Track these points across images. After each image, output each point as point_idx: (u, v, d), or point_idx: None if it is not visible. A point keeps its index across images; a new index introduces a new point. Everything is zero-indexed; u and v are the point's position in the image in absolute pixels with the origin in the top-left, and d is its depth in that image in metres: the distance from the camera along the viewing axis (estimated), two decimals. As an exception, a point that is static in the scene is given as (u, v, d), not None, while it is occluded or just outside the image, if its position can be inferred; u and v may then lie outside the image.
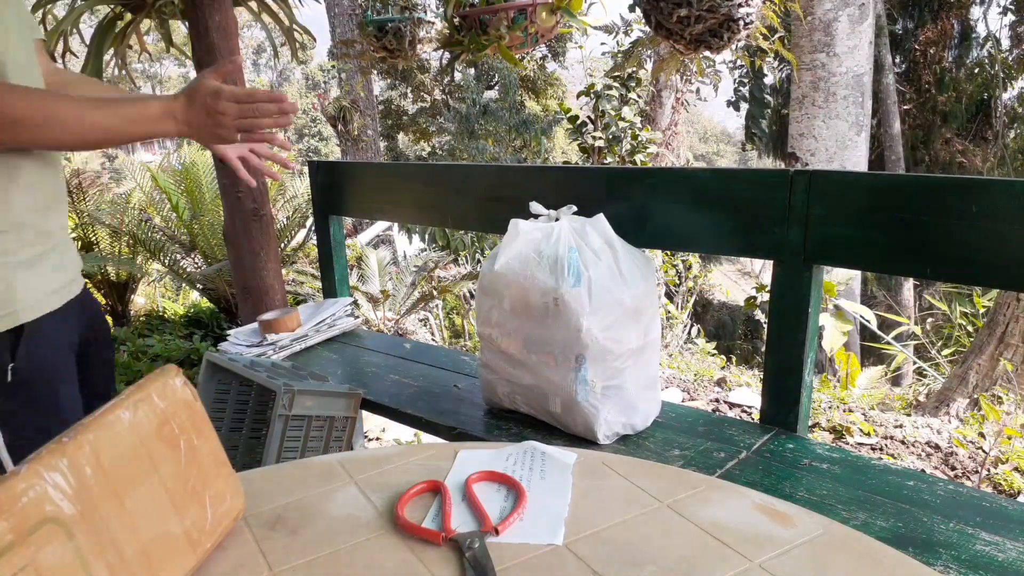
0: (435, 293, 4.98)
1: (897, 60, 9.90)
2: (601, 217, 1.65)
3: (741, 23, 2.43)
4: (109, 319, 5.40)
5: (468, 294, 5.43)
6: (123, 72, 3.21)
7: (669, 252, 7.00)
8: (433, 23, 3.16)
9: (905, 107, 9.55)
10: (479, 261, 6.83)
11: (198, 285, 4.95)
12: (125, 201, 5.88)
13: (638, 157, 6.94)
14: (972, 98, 9.72)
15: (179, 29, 3.86)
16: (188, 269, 5.24)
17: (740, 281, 15.16)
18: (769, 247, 1.57)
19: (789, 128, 6.88)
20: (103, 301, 5.13)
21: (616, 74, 7.27)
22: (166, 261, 5.11)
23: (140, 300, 6.31)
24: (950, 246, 1.35)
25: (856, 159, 6.58)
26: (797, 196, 1.52)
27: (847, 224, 1.47)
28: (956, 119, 9.58)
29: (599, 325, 1.52)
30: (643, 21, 2.62)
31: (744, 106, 10.96)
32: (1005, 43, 10.44)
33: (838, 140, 6.52)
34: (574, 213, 1.68)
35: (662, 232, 1.73)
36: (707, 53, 2.54)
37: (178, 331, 4.66)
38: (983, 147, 9.72)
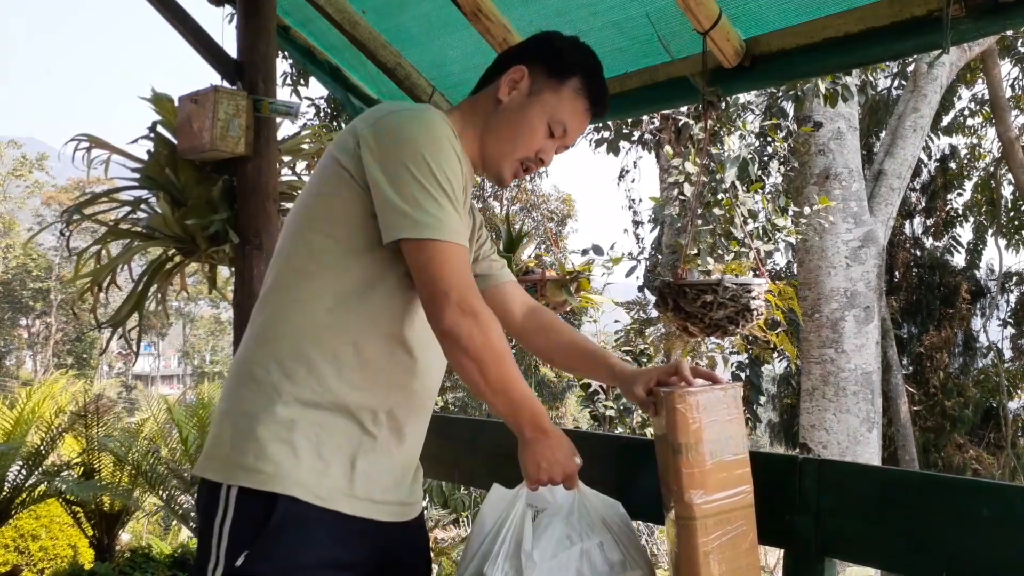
0: (432, 555, 4.76)
1: (904, 362, 10.19)
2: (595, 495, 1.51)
3: (755, 313, 2.57)
4: (91, 553, 5.17)
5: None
6: (160, 308, 3.38)
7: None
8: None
9: (915, 408, 9.66)
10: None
11: (191, 524, 4.79)
12: (136, 430, 5.89)
13: (648, 431, 6.96)
14: (979, 405, 9.84)
15: (221, 272, 4.11)
16: (185, 505, 5.11)
17: None
18: (779, 534, 1.53)
19: (800, 419, 6.93)
20: (90, 532, 4.95)
21: (627, 348, 7.51)
22: (163, 495, 5.00)
23: (125, 536, 6.08)
24: (964, 551, 1.32)
25: (869, 455, 6.54)
26: (806, 484, 1.51)
27: (858, 517, 1.44)
28: (964, 424, 9.63)
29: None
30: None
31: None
32: (1007, 354, 10.77)
33: (850, 435, 6.53)
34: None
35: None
36: (713, 338, 2.66)
37: (162, 572, 4.44)
38: (997, 455, 9.65)
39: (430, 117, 1.30)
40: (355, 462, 1.30)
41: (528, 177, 12.38)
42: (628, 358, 7.36)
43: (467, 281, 1.26)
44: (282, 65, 6.81)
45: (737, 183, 5.29)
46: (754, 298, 2.52)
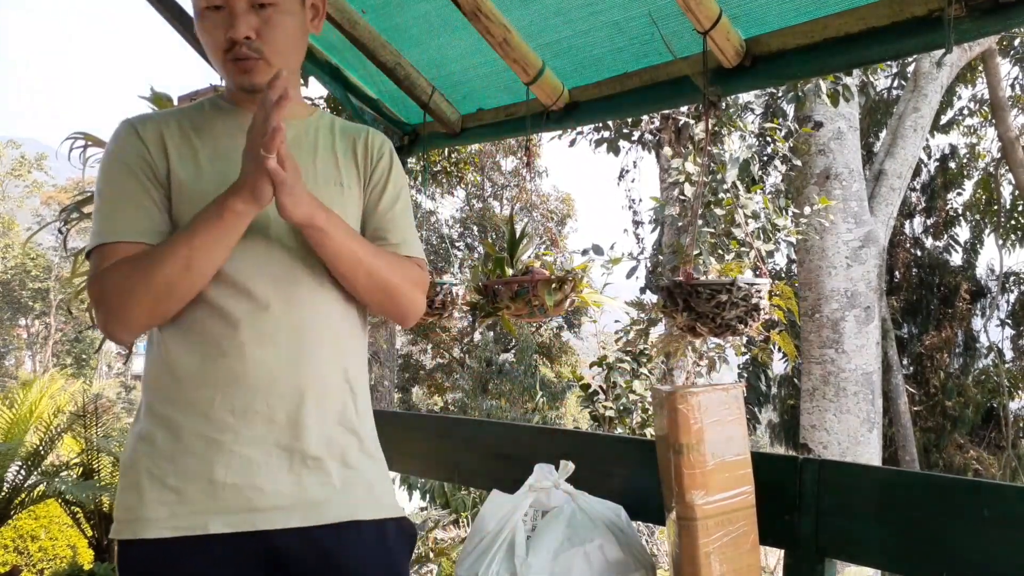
0: (431, 555, 4.77)
1: (905, 362, 10.18)
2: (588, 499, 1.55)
3: (761, 313, 2.56)
4: (90, 553, 5.17)
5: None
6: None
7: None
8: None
9: (916, 408, 9.65)
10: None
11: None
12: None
13: (648, 431, 6.95)
14: (979, 405, 9.84)
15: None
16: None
17: None
18: (779, 534, 1.54)
19: (800, 419, 6.93)
20: (89, 533, 4.94)
21: (628, 348, 7.50)
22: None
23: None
24: (964, 551, 1.32)
25: (869, 455, 6.54)
26: (807, 484, 1.51)
27: (859, 518, 1.44)
28: (964, 424, 9.63)
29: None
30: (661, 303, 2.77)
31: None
32: (1008, 354, 10.76)
33: (850, 435, 6.53)
34: (567, 479, 1.59)
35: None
36: (715, 339, 2.65)
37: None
38: (997, 456, 9.65)
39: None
40: (212, 476, 1.22)
41: (528, 177, 12.37)
42: (628, 357, 7.36)
43: (97, 275, 1.24)
44: (282, 65, 6.79)
45: (738, 183, 5.28)
46: (762, 297, 2.52)
